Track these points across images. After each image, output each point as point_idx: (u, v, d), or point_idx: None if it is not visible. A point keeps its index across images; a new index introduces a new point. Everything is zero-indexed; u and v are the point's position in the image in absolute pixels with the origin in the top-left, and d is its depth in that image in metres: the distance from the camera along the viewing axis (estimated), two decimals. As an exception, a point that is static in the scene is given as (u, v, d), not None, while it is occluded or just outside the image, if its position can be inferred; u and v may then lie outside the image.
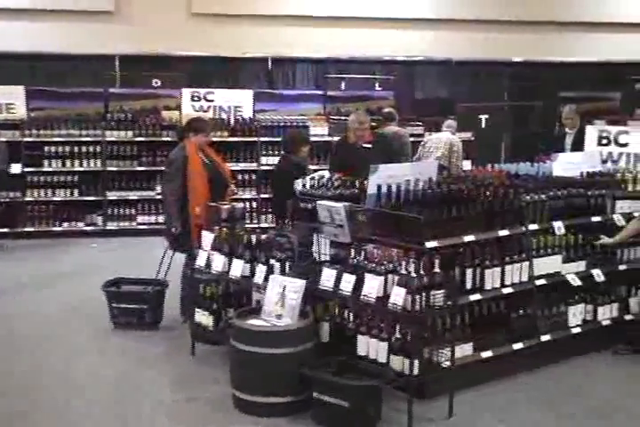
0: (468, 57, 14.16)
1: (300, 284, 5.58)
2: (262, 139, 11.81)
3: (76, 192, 11.89)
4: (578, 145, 8.82)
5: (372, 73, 13.83)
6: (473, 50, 14.05)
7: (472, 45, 14.04)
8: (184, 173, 7.28)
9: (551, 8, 14.30)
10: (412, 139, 11.24)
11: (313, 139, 11.51)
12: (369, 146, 8.46)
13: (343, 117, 12.24)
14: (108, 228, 11.96)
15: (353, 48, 13.51)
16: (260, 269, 6.02)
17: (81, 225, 11.97)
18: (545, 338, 6.31)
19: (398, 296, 5.24)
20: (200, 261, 6.53)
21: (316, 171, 8.30)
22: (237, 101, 11.92)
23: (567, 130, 9.91)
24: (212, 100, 11.87)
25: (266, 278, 5.88)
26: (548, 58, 14.58)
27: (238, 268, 6.19)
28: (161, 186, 7.98)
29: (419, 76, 14.68)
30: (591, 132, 8.26)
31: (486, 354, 5.96)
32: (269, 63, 13.49)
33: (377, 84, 13.20)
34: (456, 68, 14.38)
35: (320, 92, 12.71)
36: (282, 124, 11.75)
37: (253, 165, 11.94)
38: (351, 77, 13.36)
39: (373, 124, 11.46)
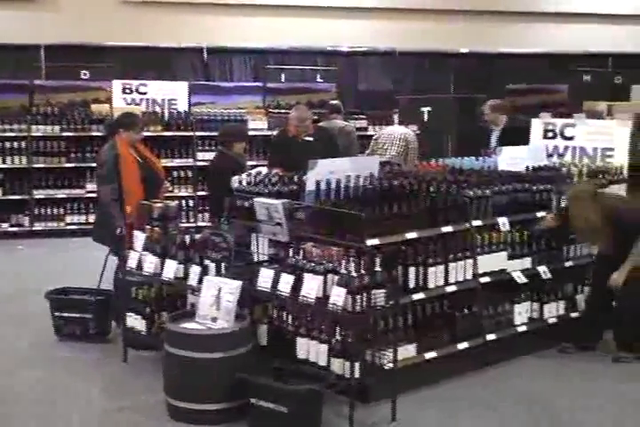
0: (412, 48, 14.00)
1: (236, 285, 5.34)
2: (199, 133, 11.41)
3: (-1, 191, 11.38)
4: (504, 144, 8.56)
5: (313, 64, 13.58)
6: (418, 40, 13.90)
7: (417, 36, 13.89)
8: (118, 173, 6.97)
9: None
10: (358, 133, 11.00)
11: (252, 133, 11.28)
12: (310, 139, 8.16)
13: (283, 111, 12.01)
14: (35, 228, 11.45)
15: (294, 38, 13.24)
16: (194, 271, 5.77)
17: (5, 226, 11.43)
18: (490, 337, 6.16)
19: (338, 296, 5.05)
20: (131, 263, 6.23)
21: (254, 167, 8.07)
22: (172, 94, 11.57)
23: (493, 127, 9.63)
24: (145, 93, 11.49)
25: (200, 280, 5.63)
26: (495, 49, 14.50)
27: (171, 269, 5.92)
28: (97, 187, 7.62)
29: (362, 68, 14.46)
30: (537, 126, 8.13)
31: (430, 355, 5.79)
32: (205, 54, 13.11)
33: (318, 76, 12.95)
34: (400, 59, 14.21)
35: (259, 84, 12.41)
36: (219, 117, 11.40)
37: (189, 161, 11.52)
38: (291, 69, 13.08)
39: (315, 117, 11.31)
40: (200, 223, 10.97)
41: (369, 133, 11.89)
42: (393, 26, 13.80)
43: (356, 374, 5.08)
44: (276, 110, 12.03)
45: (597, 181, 6.94)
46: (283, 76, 12.69)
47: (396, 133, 10.24)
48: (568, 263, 6.84)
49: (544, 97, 14.40)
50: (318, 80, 12.89)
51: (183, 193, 11.49)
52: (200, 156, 11.41)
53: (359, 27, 13.65)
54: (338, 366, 5.16)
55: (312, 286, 5.19)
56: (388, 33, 13.77)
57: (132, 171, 7.03)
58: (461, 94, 13.49)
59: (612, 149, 7.48)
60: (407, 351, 5.64)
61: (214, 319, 5.32)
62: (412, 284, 5.72)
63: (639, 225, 6.27)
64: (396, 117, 11.15)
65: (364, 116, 12.03)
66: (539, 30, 14.65)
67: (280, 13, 13.05)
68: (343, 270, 5.14)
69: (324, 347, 5.23)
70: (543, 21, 14.57)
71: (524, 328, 6.44)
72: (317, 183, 5.71)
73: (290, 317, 5.53)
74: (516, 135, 8.55)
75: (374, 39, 13.72)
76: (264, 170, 6.94)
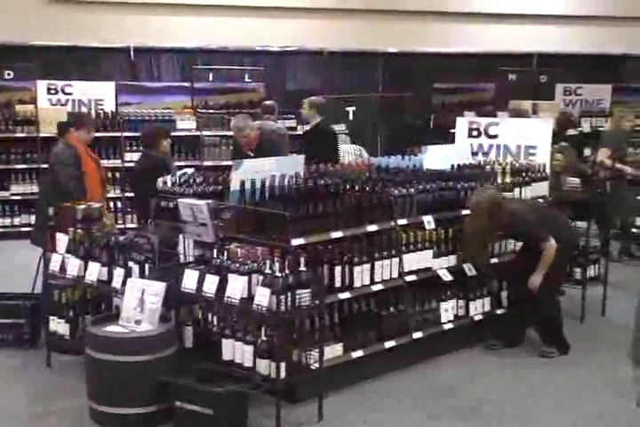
0: (341, 47, 14.01)
1: (160, 287, 5.28)
2: (126, 134, 11.21)
3: None
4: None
5: (241, 64, 13.49)
6: (346, 40, 13.90)
7: (345, 35, 13.88)
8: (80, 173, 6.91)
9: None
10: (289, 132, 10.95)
11: (180, 133, 11.19)
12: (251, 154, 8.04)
13: (212, 111, 11.94)
14: (-40, 232, 11.12)
15: (222, 38, 13.13)
16: (118, 273, 5.68)
17: None
18: (417, 335, 6.19)
19: (263, 297, 5.02)
20: (54, 266, 6.10)
21: (181, 168, 7.98)
22: (98, 94, 11.38)
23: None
24: (71, 93, 11.28)
25: (124, 282, 5.54)
26: (422, 49, 14.59)
27: (94, 271, 5.82)
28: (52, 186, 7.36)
29: (290, 68, 14.41)
30: (461, 124, 8.20)
31: (357, 354, 5.79)
32: (132, 53, 12.92)
33: (247, 76, 12.85)
34: (329, 58, 14.21)
35: (187, 85, 12.30)
36: (147, 117, 11.23)
37: (117, 162, 11.28)
38: (220, 69, 12.96)
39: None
40: (129, 225, 10.80)
41: (298, 133, 11.89)
42: (321, 26, 13.81)
43: (282, 375, 5.06)
44: (205, 110, 11.92)
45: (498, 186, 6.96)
46: (211, 76, 12.55)
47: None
48: (493, 260, 6.91)
49: (471, 96, 14.56)
50: (246, 80, 12.79)
51: (111, 194, 11.28)
52: (128, 156, 11.19)
53: (287, 27, 13.61)
54: (263, 366, 5.12)
55: (236, 287, 5.15)
56: (317, 33, 13.76)
57: (92, 173, 6.94)
58: (389, 93, 13.54)
59: (534, 148, 7.57)
60: (334, 351, 5.64)
61: (138, 322, 5.25)
62: (338, 283, 5.71)
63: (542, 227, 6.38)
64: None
65: (292, 116, 12.00)
66: (466, 30, 14.80)
67: (208, 13, 12.94)
68: (268, 270, 5.11)
69: (250, 348, 5.18)
70: (470, 21, 14.72)
71: (450, 326, 6.49)
72: (242, 183, 5.68)
73: (215, 318, 5.49)
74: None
75: (303, 39, 13.70)
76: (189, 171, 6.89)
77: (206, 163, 11.41)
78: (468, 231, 6.46)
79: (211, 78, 12.55)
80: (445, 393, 5.85)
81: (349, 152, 10.35)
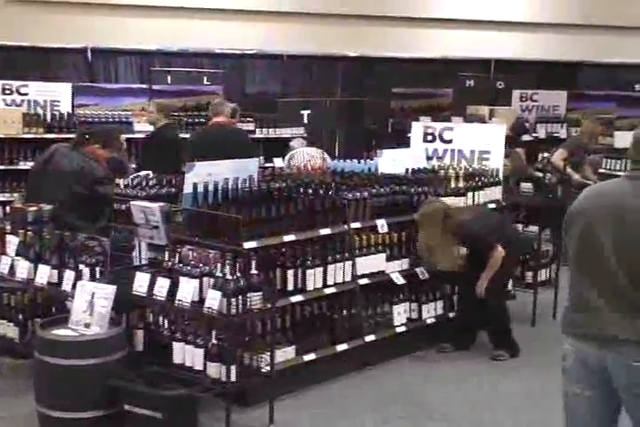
0: (300, 51, 14.00)
1: (110, 290, 5.23)
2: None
3: None
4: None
5: (200, 66, 13.41)
6: (306, 44, 13.88)
7: (305, 39, 13.84)
8: None
9: (385, 3, 14.33)
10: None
11: (138, 135, 11.09)
12: None
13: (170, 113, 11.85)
14: None
15: (181, 40, 13.03)
16: (68, 276, 5.62)
17: None
18: (369, 338, 6.21)
19: (213, 300, 5.02)
20: (3, 269, 6.02)
21: (137, 169, 7.96)
22: (54, 95, 11.19)
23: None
24: (27, 94, 11.10)
25: (74, 285, 5.48)
26: (381, 53, 14.62)
27: (44, 274, 5.75)
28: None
29: (250, 71, 14.37)
30: (417, 129, 8.25)
31: (309, 357, 5.80)
32: (89, 54, 12.78)
33: (205, 79, 12.77)
34: (288, 62, 14.19)
35: (145, 86, 12.18)
36: (104, 119, 11.08)
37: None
38: (178, 71, 12.87)
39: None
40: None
41: (257, 136, 11.87)
42: (281, 29, 13.77)
43: (233, 378, 5.06)
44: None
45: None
46: (169, 78, 12.44)
47: (313, 153, 10.04)
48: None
49: (429, 101, 14.64)
50: (205, 83, 12.71)
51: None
52: (84, 158, 11.10)
53: (247, 29, 13.55)
54: (214, 370, 5.11)
55: (187, 290, 5.14)
56: (277, 36, 13.73)
57: None
58: (348, 97, 13.56)
59: (488, 152, 7.65)
60: (286, 354, 5.64)
61: (87, 325, 5.19)
62: (290, 286, 5.72)
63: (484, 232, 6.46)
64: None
65: (251, 119, 11.96)
66: (425, 35, 14.86)
67: (167, 15, 12.84)
68: (219, 274, 5.11)
69: (200, 351, 5.17)
70: (429, 27, 14.79)
71: (403, 329, 6.52)
72: (195, 186, 5.66)
73: (166, 321, 5.47)
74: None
75: (262, 42, 13.65)
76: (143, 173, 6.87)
77: (164, 165, 11.32)
78: (429, 243, 6.45)
79: (169, 80, 12.43)
80: (397, 397, 5.87)
81: (313, 155, 10.23)
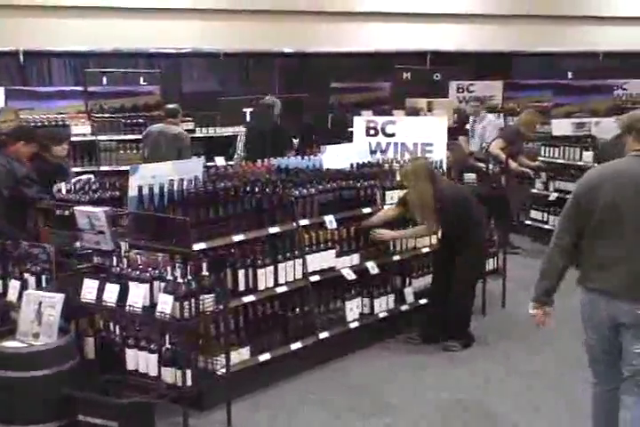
0: (237, 48, 13.89)
1: (58, 298, 5.10)
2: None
3: None
4: None
5: (135, 67, 13.23)
6: (242, 41, 13.77)
7: (241, 36, 13.76)
8: None
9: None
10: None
11: (75, 138, 10.90)
12: None
13: (107, 115, 11.68)
14: None
15: (115, 40, 12.82)
16: (13, 285, 5.49)
17: None
18: (323, 335, 6.19)
19: (165, 304, 4.94)
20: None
21: (78, 173, 7.81)
22: (-14, 100, 11.01)
23: None
24: (-43, 99, 10.89)
25: (20, 295, 5.35)
26: (318, 48, 14.59)
27: (-12, 285, 5.61)
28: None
29: (186, 70, 14.23)
30: (359, 123, 8.25)
31: (264, 357, 5.76)
32: (22, 57, 12.50)
33: (142, 79, 12.59)
34: (225, 60, 14.08)
35: (80, 89, 11.98)
36: (39, 123, 10.90)
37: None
38: (113, 72, 12.67)
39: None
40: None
41: (196, 136, 11.77)
42: (217, 27, 13.66)
43: (188, 383, 4.99)
44: (100, 115, 11.65)
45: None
46: (104, 79, 12.24)
47: None
48: (396, 257, 6.97)
49: (367, 95, 14.67)
50: (142, 83, 12.53)
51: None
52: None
53: (182, 28, 13.41)
54: (169, 375, 5.04)
55: (138, 295, 5.06)
56: (212, 34, 13.61)
57: None
58: (287, 94, 13.51)
59: (431, 145, 7.68)
60: (241, 355, 5.59)
61: (36, 335, 5.05)
62: (242, 286, 5.67)
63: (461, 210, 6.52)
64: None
65: (190, 119, 11.85)
66: (360, 29, 14.87)
67: (100, 15, 12.61)
68: (169, 277, 5.03)
69: (154, 357, 5.09)
70: (363, 20, 14.80)
71: (356, 324, 6.51)
72: (140, 188, 5.57)
73: (117, 328, 5.36)
74: None
75: (198, 41, 13.52)
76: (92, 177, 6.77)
77: (103, 168, 11.16)
78: (415, 200, 6.50)
79: (105, 82, 12.23)
80: (353, 392, 5.86)
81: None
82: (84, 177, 6.76)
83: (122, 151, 11.39)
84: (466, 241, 6.53)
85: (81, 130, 11.29)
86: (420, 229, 6.69)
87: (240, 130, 11.39)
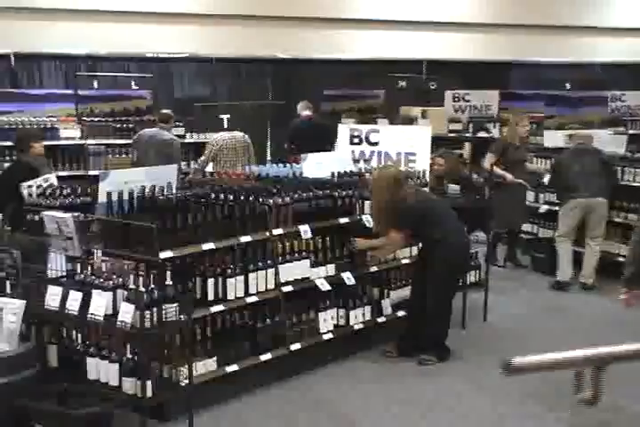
0: (229, 54, 13.82)
1: (19, 304, 5.02)
2: (5, 143, 10.65)
3: None
4: None
5: (127, 71, 13.15)
6: (235, 47, 13.69)
7: (234, 42, 13.67)
8: None
9: (317, 5, 14.21)
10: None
11: (64, 142, 10.85)
12: None
13: (97, 119, 11.60)
14: None
15: (107, 44, 12.73)
16: (-24, 291, 5.39)
17: None
18: (295, 347, 6.07)
19: (127, 313, 4.84)
20: None
21: (64, 178, 7.75)
22: (-24, 102, 10.93)
23: None
24: (-54, 101, 10.82)
25: (-17, 301, 5.26)
26: (311, 55, 14.50)
27: (-50, 290, 5.50)
28: None
29: (178, 75, 14.14)
30: (343, 131, 8.15)
31: (232, 368, 5.64)
32: (12, 60, 12.42)
33: (133, 83, 12.52)
34: (217, 65, 13.99)
35: (70, 92, 11.89)
36: (28, 126, 10.79)
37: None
38: (104, 75, 12.60)
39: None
40: None
41: (187, 141, 11.70)
42: (210, 32, 13.58)
43: (148, 393, 4.89)
44: (90, 118, 11.56)
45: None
46: (96, 83, 12.16)
47: (237, 137, 9.77)
48: (373, 268, 6.86)
49: (361, 102, 14.58)
50: (133, 87, 12.46)
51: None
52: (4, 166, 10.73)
53: (175, 33, 13.33)
54: (129, 385, 4.94)
55: (100, 304, 4.96)
56: (205, 39, 13.53)
57: None
58: (279, 100, 13.41)
59: (414, 155, 7.57)
60: (207, 366, 5.49)
61: (-4, 343, 4.98)
62: (211, 296, 5.57)
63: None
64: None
65: (181, 124, 11.77)
66: (355, 36, 14.79)
67: (92, 19, 12.53)
68: (132, 285, 4.93)
69: (115, 366, 4.99)
70: (359, 28, 14.72)
71: (330, 336, 6.39)
72: (109, 195, 5.48)
73: (79, 336, 5.27)
74: None
75: (191, 46, 13.44)
76: (53, 177, 6.69)
77: (92, 172, 11.04)
78: (372, 208, 6.55)
79: (96, 85, 12.16)
80: (321, 406, 5.74)
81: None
82: (51, 177, 6.69)
83: (111, 156, 11.29)
84: (436, 255, 6.38)
85: (70, 133, 11.19)
86: (384, 240, 6.54)
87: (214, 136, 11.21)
